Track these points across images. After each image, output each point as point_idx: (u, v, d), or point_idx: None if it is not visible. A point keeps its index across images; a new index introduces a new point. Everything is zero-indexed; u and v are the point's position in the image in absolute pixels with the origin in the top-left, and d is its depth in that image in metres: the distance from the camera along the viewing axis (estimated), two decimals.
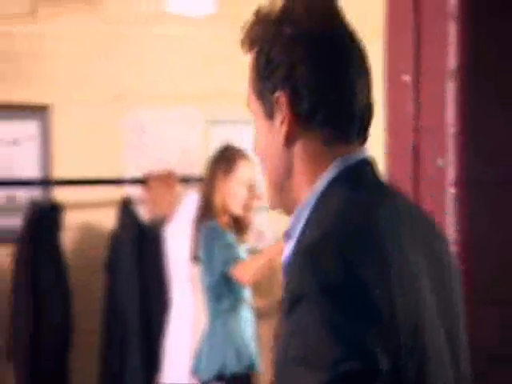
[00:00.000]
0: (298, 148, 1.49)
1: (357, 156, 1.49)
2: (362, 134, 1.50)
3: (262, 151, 1.53)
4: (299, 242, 1.46)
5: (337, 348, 1.30)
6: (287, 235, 1.53)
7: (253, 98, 1.53)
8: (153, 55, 4.52)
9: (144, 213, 4.32)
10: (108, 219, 4.23)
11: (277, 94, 1.48)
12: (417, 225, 1.52)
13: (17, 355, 4.09)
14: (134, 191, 4.32)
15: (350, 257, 1.34)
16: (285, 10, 1.51)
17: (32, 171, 4.29)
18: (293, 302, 1.34)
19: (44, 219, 4.12)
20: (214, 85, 4.55)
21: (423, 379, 1.37)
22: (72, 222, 4.22)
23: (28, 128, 4.31)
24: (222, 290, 3.70)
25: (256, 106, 1.52)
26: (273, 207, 1.58)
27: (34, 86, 4.30)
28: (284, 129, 1.48)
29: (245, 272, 3.62)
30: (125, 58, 4.47)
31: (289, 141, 1.48)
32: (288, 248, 1.52)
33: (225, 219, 3.75)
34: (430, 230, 1.55)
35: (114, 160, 4.43)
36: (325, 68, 1.47)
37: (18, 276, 4.09)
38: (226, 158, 3.77)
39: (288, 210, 1.54)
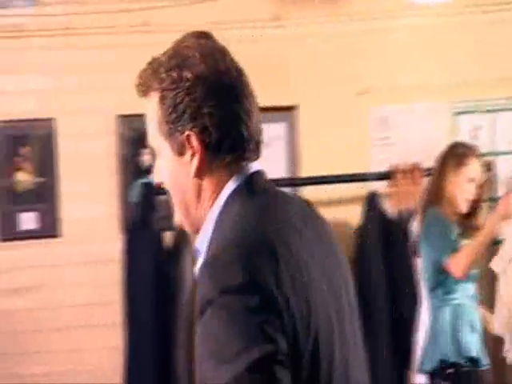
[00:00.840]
0: (206, 176, 1.66)
1: (250, 170, 1.67)
2: (257, 152, 1.69)
3: (171, 183, 1.70)
4: (206, 255, 1.62)
5: (238, 340, 1.48)
6: (195, 251, 1.71)
7: (160, 138, 1.68)
8: (396, 48, 4.48)
9: (390, 207, 4.28)
10: (354, 214, 4.24)
11: (186, 134, 1.64)
12: (307, 223, 1.70)
13: None
14: (380, 186, 4.30)
15: (244, 261, 1.52)
16: (181, 57, 1.66)
17: (279, 171, 4.41)
18: (202, 308, 1.52)
19: None
20: (459, 74, 4.42)
21: (317, 359, 1.57)
22: None
23: (276, 129, 4.43)
24: (439, 279, 3.59)
25: (163, 145, 1.68)
26: (190, 230, 1.73)
27: (281, 88, 4.41)
28: (196, 162, 1.65)
29: (457, 265, 3.48)
30: (368, 54, 4.46)
31: (199, 172, 1.65)
32: (199, 262, 1.68)
33: (450, 210, 3.63)
34: (319, 226, 1.74)
35: (360, 156, 4.43)
36: (225, 104, 1.65)
37: None
38: (457, 154, 3.66)
39: (198, 229, 1.70)
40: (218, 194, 1.67)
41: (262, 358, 1.49)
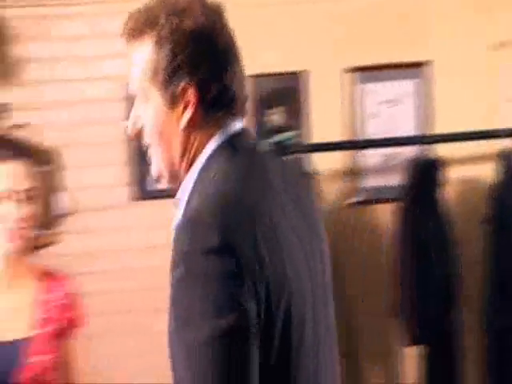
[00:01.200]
0: (195, 129, 1.66)
1: (236, 127, 1.69)
2: (243, 111, 1.72)
3: (157, 133, 1.67)
4: (185, 210, 1.62)
5: (208, 306, 1.44)
6: (175, 205, 1.69)
7: (149, 86, 1.66)
8: None
9: None
10: (488, 172, 4.16)
11: (183, 86, 1.64)
12: (288, 187, 1.70)
13: (403, 310, 4.17)
14: None
15: (223, 222, 1.50)
16: (181, 5, 1.64)
17: (408, 129, 4.35)
18: (176, 262, 1.49)
19: (425, 175, 4.15)
20: None
21: (288, 330, 1.54)
22: (453, 177, 4.21)
23: (406, 86, 4.37)
24: None
25: (152, 94, 1.66)
26: (166, 183, 1.72)
27: (414, 44, 4.34)
28: (188, 115, 1.65)
29: None
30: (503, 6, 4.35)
31: (189, 125, 1.65)
32: (177, 216, 1.67)
33: None
34: (300, 191, 1.75)
35: (492, 112, 4.34)
36: (223, 61, 1.66)
37: (402, 232, 4.17)
38: None
39: (178, 182, 1.70)
40: (202, 149, 1.68)
41: (229, 328, 1.45)
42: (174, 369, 1.54)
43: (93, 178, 4.21)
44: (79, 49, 4.20)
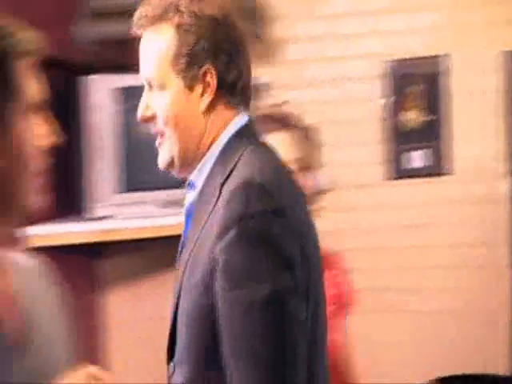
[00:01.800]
0: (212, 113, 1.71)
1: (246, 117, 1.77)
2: (250, 100, 1.79)
3: (173, 118, 1.71)
4: (202, 189, 1.71)
5: (272, 264, 1.53)
6: (190, 185, 1.76)
7: (166, 71, 1.70)
8: None
9: None
10: None
11: (204, 69, 1.70)
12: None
13: None
14: None
15: (276, 187, 1.61)
16: None
17: None
18: (227, 226, 1.55)
19: None
20: None
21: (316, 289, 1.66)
22: None
23: None
24: None
25: (170, 78, 1.70)
26: (177, 173, 1.77)
27: None
28: (208, 98, 1.71)
29: None
30: None
31: (208, 108, 1.71)
32: (190, 196, 1.77)
33: None
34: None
35: None
36: (241, 48, 1.75)
37: None
38: None
39: (191, 166, 1.75)
40: (221, 133, 1.73)
41: (285, 287, 1.54)
42: (221, 329, 1.58)
43: (349, 155, 4.26)
44: (341, 27, 4.25)
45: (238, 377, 1.54)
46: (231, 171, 1.67)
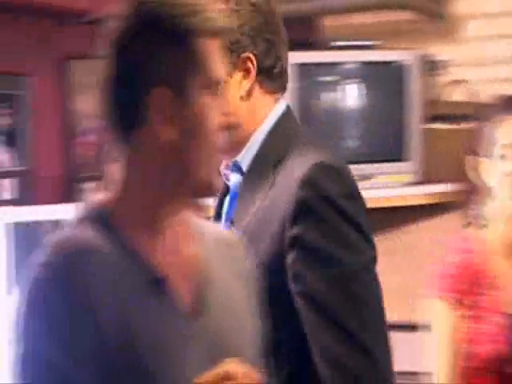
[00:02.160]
0: (250, 100, 1.75)
1: (284, 102, 1.81)
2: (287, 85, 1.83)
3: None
4: (250, 172, 1.76)
5: (359, 239, 1.66)
6: (236, 166, 1.78)
7: None
8: None
9: None
10: None
11: (246, 55, 1.74)
12: None
13: None
14: None
15: (350, 171, 1.72)
16: None
17: None
18: (312, 208, 1.62)
19: None
20: None
21: None
22: None
23: None
24: None
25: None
26: (224, 154, 1.67)
27: None
28: (248, 84, 1.74)
29: None
30: None
31: (248, 94, 1.74)
32: (234, 177, 1.80)
33: None
34: None
35: None
36: (278, 35, 1.78)
37: None
38: None
39: (235, 153, 1.77)
40: (262, 118, 1.77)
41: (373, 258, 1.69)
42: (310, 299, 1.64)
43: None
44: None
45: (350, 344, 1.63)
46: (284, 156, 1.72)
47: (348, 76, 4.19)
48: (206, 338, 1.41)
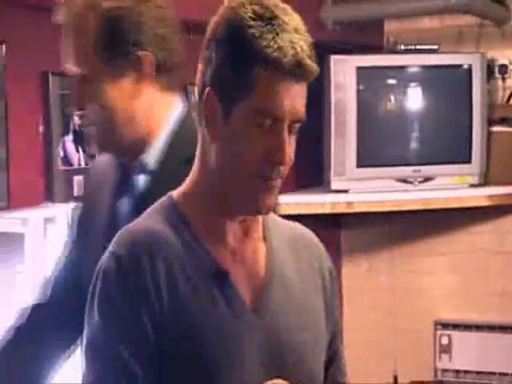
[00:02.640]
0: (147, 95, 1.73)
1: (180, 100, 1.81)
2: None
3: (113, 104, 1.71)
4: (159, 170, 1.75)
5: None
6: (141, 169, 1.77)
7: (99, 62, 1.71)
8: None
9: None
10: None
11: (139, 53, 1.71)
12: None
13: None
14: None
15: None
16: None
17: None
18: None
19: None
20: None
21: None
22: None
23: None
24: None
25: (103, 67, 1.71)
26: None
27: None
28: (140, 83, 1.72)
29: None
30: None
31: (140, 92, 1.73)
32: (142, 179, 1.78)
33: None
34: None
35: None
36: (170, 28, 1.77)
37: None
38: None
39: (136, 151, 1.76)
40: (162, 115, 1.76)
41: None
42: None
43: None
44: None
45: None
46: (194, 153, 1.59)
47: (412, 79, 4.24)
48: (264, 334, 1.43)
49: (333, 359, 1.58)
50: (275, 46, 1.37)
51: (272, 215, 1.54)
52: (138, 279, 1.39)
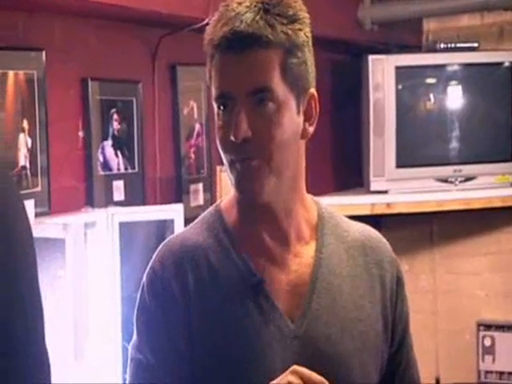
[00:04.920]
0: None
1: None
2: None
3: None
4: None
5: None
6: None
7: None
8: None
9: None
10: None
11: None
12: None
13: None
14: None
15: None
16: None
17: None
18: None
19: None
20: None
21: None
22: None
23: None
24: None
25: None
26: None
27: None
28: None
29: None
30: None
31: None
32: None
33: None
34: None
35: None
36: None
37: None
38: None
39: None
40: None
41: None
42: None
43: None
44: None
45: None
46: None
47: (452, 78, 4.20)
48: (301, 343, 1.41)
49: (401, 369, 1.55)
50: (211, 29, 1.39)
51: (337, 218, 1.52)
52: (167, 289, 1.40)
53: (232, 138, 1.36)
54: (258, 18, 1.35)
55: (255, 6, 1.37)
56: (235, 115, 1.36)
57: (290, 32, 1.37)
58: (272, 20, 1.36)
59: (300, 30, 1.40)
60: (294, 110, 1.40)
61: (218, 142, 1.41)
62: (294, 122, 1.40)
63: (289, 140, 1.39)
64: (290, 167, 1.41)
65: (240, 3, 1.38)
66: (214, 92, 1.39)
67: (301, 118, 1.42)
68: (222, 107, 1.38)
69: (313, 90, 1.44)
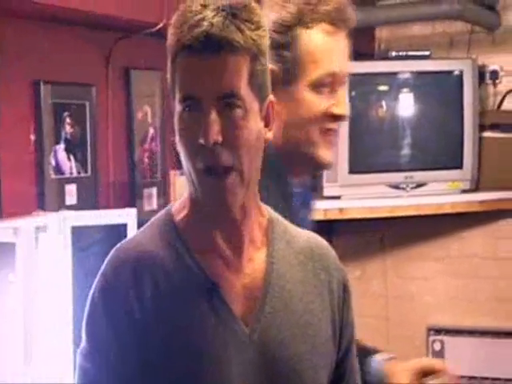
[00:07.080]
0: None
1: None
2: None
3: None
4: None
5: None
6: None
7: None
8: None
9: None
10: None
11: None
12: None
13: None
14: None
15: None
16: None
17: None
18: None
19: None
20: None
21: None
22: None
23: None
24: None
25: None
26: None
27: None
28: None
29: None
30: None
31: None
32: None
33: None
34: None
35: None
36: None
37: None
38: None
39: None
40: None
41: None
42: None
43: None
44: None
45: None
46: None
47: (404, 85, 4.25)
48: (255, 347, 1.41)
49: (346, 375, 1.56)
50: (176, 31, 1.36)
51: (285, 223, 1.52)
52: (121, 296, 1.39)
53: (201, 141, 1.34)
54: (227, 22, 1.34)
55: (223, 10, 1.35)
56: (204, 118, 1.34)
57: (256, 38, 1.37)
58: (241, 25, 1.35)
59: (264, 36, 1.40)
60: (258, 116, 1.40)
61: (180, 146, 1.39)
62: (258, 127, 1.40)
63: (255, 145, 1.39)
64: (255, 174, 1.42)
65: (204, 6, 1.36)
66: (178, 94, 1.37)
67: (262, 124, 1.42)
68: (187, 109, 1.36)
69: (271, 97, 1.44)
